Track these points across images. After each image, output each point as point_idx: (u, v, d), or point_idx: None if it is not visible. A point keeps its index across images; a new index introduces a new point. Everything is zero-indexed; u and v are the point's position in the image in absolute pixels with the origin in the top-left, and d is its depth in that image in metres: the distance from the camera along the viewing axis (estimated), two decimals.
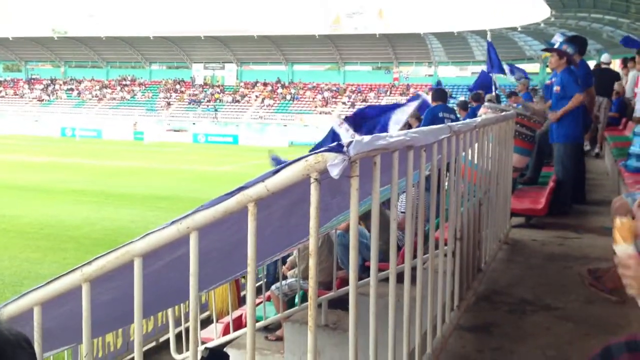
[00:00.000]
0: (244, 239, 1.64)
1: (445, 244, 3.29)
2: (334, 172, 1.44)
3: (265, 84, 63.15)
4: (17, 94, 66.24)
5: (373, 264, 1.91)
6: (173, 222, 1.62)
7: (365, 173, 1.72)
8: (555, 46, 6.15)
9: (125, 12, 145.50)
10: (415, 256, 2.61)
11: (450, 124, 2.52)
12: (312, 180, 1.48)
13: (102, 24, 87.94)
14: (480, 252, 3.85)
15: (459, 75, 63.90)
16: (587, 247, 4.52)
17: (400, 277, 2.31)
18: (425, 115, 7.62)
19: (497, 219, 4.42)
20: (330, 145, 1.48)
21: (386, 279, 2.22)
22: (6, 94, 66.54)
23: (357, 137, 5.51)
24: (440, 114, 7.63)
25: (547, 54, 6.85)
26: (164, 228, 1.63)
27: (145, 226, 17.97)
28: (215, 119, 57.05)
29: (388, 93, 58.12)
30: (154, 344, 7.14)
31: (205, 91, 63.09)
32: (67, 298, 1.77)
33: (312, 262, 1.52)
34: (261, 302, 6.19)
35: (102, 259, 1.69)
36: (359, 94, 59.23)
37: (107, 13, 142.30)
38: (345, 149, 1.47)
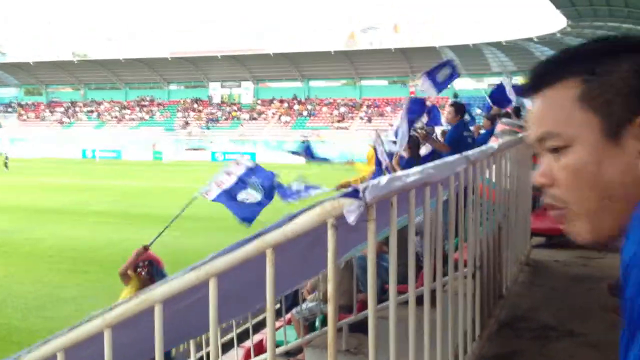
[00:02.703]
0: (262, 278, 1.65)
1: (465, 266, 3.27)
2: (351, 219, 1.45)
3: (281, 101, 63.55)
4: (39, 117, 67.40)
5: (392, 289, 1.89)
6: (192, 269, 1.63)
7: (382, 212, 1.72)
8: None
9: (142, 34, 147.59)
10: (434, 279, 2.59)
11: (467, 153, 2.51)
12: (329, 225, 1.49)
13: (121, 46, 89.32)
14: (501, 277, 3.81)
15: (476, 88, 63.75)
16: (611, 267, 4.45)
17: (420, 300, 2.30)
18: (451, 134, 7.48)
19: (517, 240, 4.38)
20: (347, 191, 1.48)
21: (407, 302, 2.21)
22: (27, 118, 67.76)
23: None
24: (465, 133, 7.56)
25: None
26: (183, 275, 1.65)
27: (165, 246, 18.02)
28: (241, 136, 57.35)
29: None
30: None
31: (223, 109, 63.64)
32: (89, 343, 1.79)
33: (330, 308, 1.52)
34: (281, 326, 6.16)
35: (123, 305, 1.70)
36: (376, 109, 59.31)
37: (125, 36, 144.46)
38: (361, 194, 1.47)
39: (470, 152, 2.60)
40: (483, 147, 3.12)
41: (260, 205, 6.19)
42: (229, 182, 6.04)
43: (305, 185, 7.03)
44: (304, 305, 5.95)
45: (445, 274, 2.98)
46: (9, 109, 70.07)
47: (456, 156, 2.36)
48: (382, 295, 4.21)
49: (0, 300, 13.02)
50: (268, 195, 6.23)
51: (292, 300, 6.71)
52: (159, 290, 1.66)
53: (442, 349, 2.52)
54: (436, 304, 2.48)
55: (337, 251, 1.53)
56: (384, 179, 1.60)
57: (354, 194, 1.47)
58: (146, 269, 5.97)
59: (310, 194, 7.05)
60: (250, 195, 6.18)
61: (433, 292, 2.44)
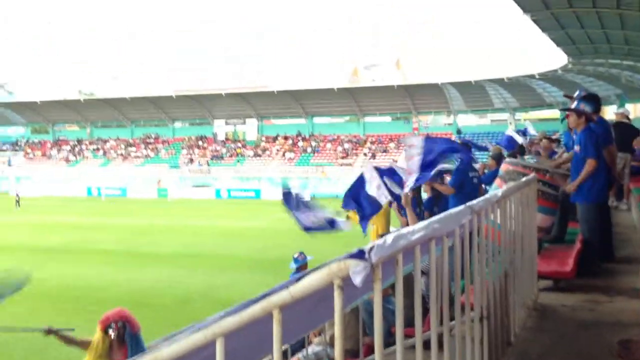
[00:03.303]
0: (269, 335, 1.65)
1: (472, 309, 3.24)
2: (357, 280, 1.45)
3: (286, 138, 63.95)
4: (45, 156, 67.90)
5: (399, 336, 1.88)
6: (199, 328, 1.64)
7: (387, 267, 1.73)
8: (574, 104, 6.16)
9: (148, 72, 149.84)
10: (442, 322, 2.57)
11: (472, 203, 2.52)
12: (335, 286, 1.50)
13: (126, 84, 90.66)
14: (509, 322, 3.77)
15: (478, 124, 64.11)
16: (619, 311, 4.40)
17: (427, 344, 2.28)
18: (457, 175, 7.49)
19: (524, 284, 4.35)
20: (352, 252, 1.49)
21: (414, 346, 2.19)
22: (34, 156, 68.26)
23: (381, 190, 5.50)
24: (470, 173, 7.57)
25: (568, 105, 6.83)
26: (190, 335, 1.65)
27: (170, 285, 18.01)
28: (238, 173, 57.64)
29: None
30: None
31: (227, 146, 64.04)
32: None
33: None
34: None
35: None
36: (380, 145, 59.57)
37: (131, 74, 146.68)
38: (367, 255, 1.48)
39: (475, 202, 2.61)
40: (487, 195, 3.13)
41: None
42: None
43: (334, 220, 7.09)
44: (310, 349, 5.88)
45: (452, 317, 2.96)
46: (16, 148, 70.66)
47: (460, 208, 2.37)
48: (388, 338, 4.17)
49: (2, 342, 12.91)
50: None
51: (299, 343, 6.64)
52: (166, 352, 1.66)
53: None
54: (444, 348, 2.46)
55: (343, 311, 1.53)
56: (389, 238, 1.61)
57: (360, 254, 1.48)
58: (117, 332, 5.25)
59: (339, 227, 7.15)
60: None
61: (440, 336, 2.43)
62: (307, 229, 7.39)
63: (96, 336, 5.30)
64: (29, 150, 69.66)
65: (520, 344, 3.84)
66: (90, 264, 21.42)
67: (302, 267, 7.27)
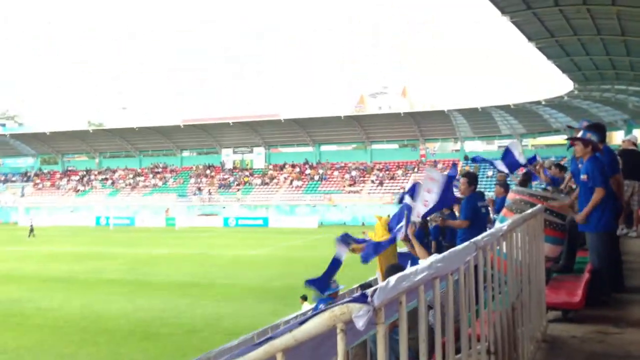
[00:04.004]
0: None
1: (478, 341, 3.21)
2: (359, 324, 1.46)
3: (293, 166, 64.17)
4: (54, 186, 68.34)
5: None
6: None
7: (391, 308, 1.74)
8: (580, 134, 6.17)
9: (156, 103, 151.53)
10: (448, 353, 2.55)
11: (476, 240, 2.53)
12: (338, 330, 1.50)
13: (135, 115, 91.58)
14: (517, 356, 3.73)
15: (486, 150, 64.14)
16: (630, 343, 4.35)
17: None
18: (466, 207, 7.41)
19: (533, 315, 4.31)
20: (355, 296, 1.50)
21: None
22: (43, 186, 68.72)
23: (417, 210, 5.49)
24: (479, 204, 7.54)
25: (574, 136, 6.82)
26: None
27: (177, 315, 17.93)
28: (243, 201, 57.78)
29: (415, 170, 58.39)
30: None
31: (235, 175, 64.28)
32: None
33: None
34: None
35: None
36: (387, 172, 59.61)
37: (139, 105, 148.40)
38: (369, 298, 1.49)
39: (479, 238, 2.61)
40: (493, 230, 3.13)
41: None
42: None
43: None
44: None
45: (459, 350, 2.94)
46: (26, 178, 71.21)
47: (465, 245, 2.38)
48: None
49: None
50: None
51: None
52: None
53: None
54: None
55: (346, 354, 1.54)
56: (392, 280, 1.62)
57: (362, 298, 1.49)
58: None
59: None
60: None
61: None
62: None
63: None
64: (38, 181, 70.17)
65: None
66: (98, 293, 21.38)
67: (333, 295, 7.13)
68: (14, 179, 71.50)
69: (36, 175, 71.92)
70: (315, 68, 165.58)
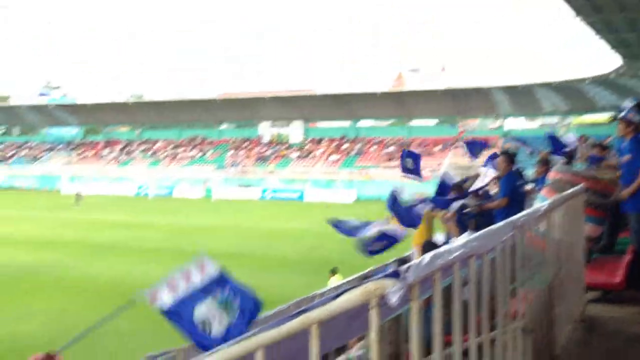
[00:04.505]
0: (307, 346, 1.68)
1: (515, 318, 3.19)
2: (393, 300, 1.48)
3: (330, 140, 64.12)
4: (97, 156, 69.94)
5: (437, 344, 1.88)
6: (240, 340, 1.69)
7: (425, 286, 1.74)
8: (623, 113, 5.99)
9: (195, 76, 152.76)
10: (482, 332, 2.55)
11: (513, 219, 2.50)
12: (371, 305, 1.52)
13: (174, 87, 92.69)
14: (553, 335, 3.71)
15: (527, 128, 62.85)
16: None
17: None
18: (504, 186, 7.30)
19: (571, 295, 4.26)
20: (388, 272, 1.51)
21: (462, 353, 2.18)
22: (86, 156, 70.41)
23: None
24: (518, 182, 7.42)
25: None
26: (233, 344, 1.70)
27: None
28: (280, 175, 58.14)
29: (454, 146, 57.70)
30: None
31: (272, 148, 64.62)
32: None
33: None
34: None
35: None
36: (425, 148, 59.07)
37: (179, 78, 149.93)
38: (403, 275, 1.50)
39: (517, 217, 2.59)
40: (531, 209, 3.09)
41: (228, 333, 3.88)
42: (183, 288, 3.95)
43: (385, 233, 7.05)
44: (352, 352, 5.90)
45: (493, 327, 2.94)
46: (70, 148, 73.07)
47: (501, 224, 2.36)
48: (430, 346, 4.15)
49: (60, 335, 13.35)
50: (242, 323, 3.97)
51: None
52: (209, 359, 1.72)
53: None
54: (483, 357, 2.44)
55: (380, 328, 1.56)
56: (426, 258, 1.63)
57: (396, 275, 1.50)
58: None
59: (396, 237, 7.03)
60: (213, 314, 3.92)
61: (482, 346, 2.41)
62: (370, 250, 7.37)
63: None
64: (81, 151, 71.93)
65: (566, 357, 3.77)
66: (138, 262, 21.96)
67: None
68: (58, 147, 73.45)
69: (79, 145, 73.73)
70: (354, 46, 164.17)
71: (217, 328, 3.94)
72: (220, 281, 3.95)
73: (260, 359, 1.71)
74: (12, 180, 65.70)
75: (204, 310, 3.93)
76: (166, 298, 3.85)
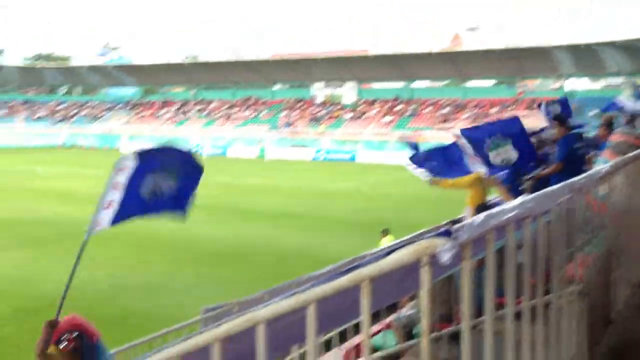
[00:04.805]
0: (358, 302, 1.72)
1: (571, 284, 3.15)
2: (444, 259, 1.48)
3: (384, 101, 63.43)
4: (154, 115, 71.53)
5: (488, 305, 1.89)
6: (292, 294, 1.74)
7: (478, 246, 1.74)
8: None
9: (248, 37, 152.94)
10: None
11: (571, 182, 2.44)
12: (423, 263, 1.53)
13: (229, 48, 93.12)
14: (610, 299, 3.65)
15: (589, 88, 60.39)
16: None
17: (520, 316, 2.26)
18: (560, 149, 7.03)
19: (631, 260, 4.16)
20: (440, 230, 1.52)
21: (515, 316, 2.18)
22: (144, 116, 72.12)
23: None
24: (576, 145, 7.10)
25: None
26: (285, 298, 1.76)
27: (268, 242, 18.68)
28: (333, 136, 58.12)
29: (511, 108, 56.10)
30: None
31: (326, 109, 64.48)
32: (200, 353, 1.96)
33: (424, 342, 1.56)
34: (381, 329, 6.19)
35: (229, 323, 1.85)
36: (481, 109, 57.71)
37: (233, 39, 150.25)
38: (455, 234, 1.50)
39: (575, 180, 2.53)
40: (590, 172, 3.01)
41: (185, 189, 4.58)
42: (118, 195, 4.06)
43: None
44: (403, 312, 5.96)
45: (548, 291, 2.91)
46: (128, 107, 74.99)
47: (558, 186, 2.31)
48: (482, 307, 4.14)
49: (123, 286, 14.03)
50: (189, 176, 4.52)
51: (391, 303, 6.68)
52: (262, 312, 1.79)
53: None
54: (536, 320, 2.43)
55: (432, 286, 1.58)
56: (480, 217, 1.62)
57: (448, 234, 1.51)
58: (73, 344, 4.20)
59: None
60: (157, 181, 4.28)
61: (535, 309, 2.40)
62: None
63: (50, 350, 4.25)
64: (139, 110, 73.70)
65: (622, 322, 3.71)
66: (193, 219, 22.37)
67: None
68: (117, 107, 75.49)
69: (137, 104, 75.51)
70: (409, 4, 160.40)
71: (168, 188, 4.32)
72: (146, 160, 4.08)
73: (312, 313, 1.76)
74: (74, 139, 68.08)
75: (148, 184, 4.15)
76: (107, 216, 4.07)
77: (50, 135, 69.01)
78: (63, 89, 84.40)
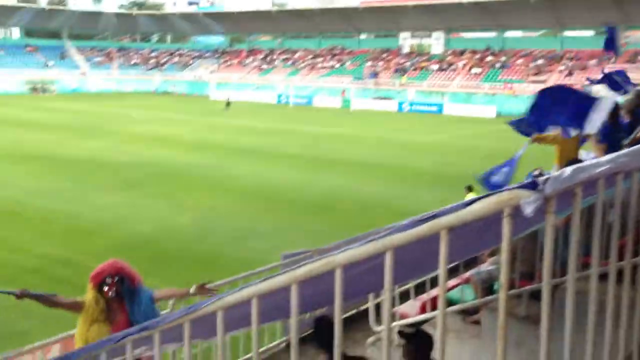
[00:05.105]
0: (435, 252, 1.72)
1: None
2: (527, 210, 1.45)
3: (473, 52, 61.10)
4: (240, 64, 72.63)
5: (571, 266, 1.85)
6: (370, 241, 1.76)
7: (563, 199, 1.68)
8: None
9: None
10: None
11: None
12: (504, 214, 1.50)
13: None
14: None
15: None
16: None
17: (605, 277, 2.19)
18: None
19: None
20: (525, 182, 1.48)
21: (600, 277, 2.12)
22: (231, 64, 73.38)
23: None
24: None
25: None
26: (362, 244, 1.78)
27: (352, 191, 18.83)
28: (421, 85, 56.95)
29: (612, 61, 52.56)
30: (354, 311, 7.45)
31: (412, 60, 63.01)
32: (278, 294, 2.03)
33: (502, 296, 1.55)
34: (459, 284, 6.16)
35: (309, 265, 1.90)
36: (578, 61, 54.47)
37: None
38: (540, 186, 1.46)
39: None
40: None
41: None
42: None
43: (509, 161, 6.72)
44: (483, 267, 5.88)
45: (638, 253, 2.79)
46: (216, 56, 76.49)
47: None
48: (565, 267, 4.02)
49: (210, 229, 14.65)
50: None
51: (471, 259, 6.61)
52: (340, 257, 1.82)
53: (627, 333, 2.36)
54: (624, 282, 2.34)
55: (512, 239, 1.55)
56: (568, 170, 1.56)
57: (532, 185, 1.46)
58: (114, 288, 4.23)
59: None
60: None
61: (622, 272, 2.32)
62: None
63: (88, 296, 4.27)
64: (226, 58, 75.02)
65: None
66: (279, 167, 23.02)
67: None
68: (206, 55, 77.16)
69: (225, 53, 76.85)
70: None
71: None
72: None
73: (389, 260, 1.77)
74: (165, 86, 70.53)
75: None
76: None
77: (144, 81, 71.87)
78: (155, 37, 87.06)
